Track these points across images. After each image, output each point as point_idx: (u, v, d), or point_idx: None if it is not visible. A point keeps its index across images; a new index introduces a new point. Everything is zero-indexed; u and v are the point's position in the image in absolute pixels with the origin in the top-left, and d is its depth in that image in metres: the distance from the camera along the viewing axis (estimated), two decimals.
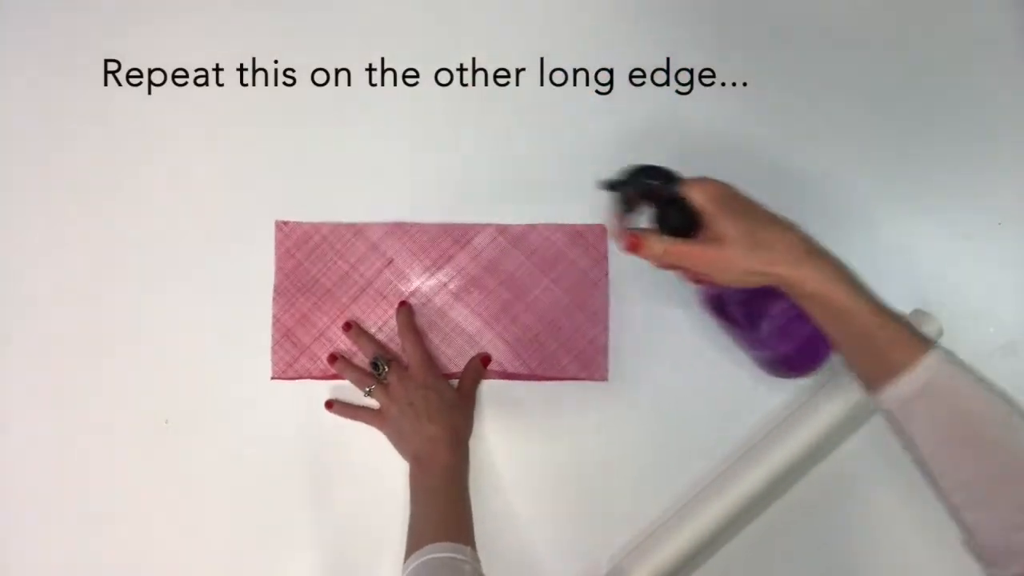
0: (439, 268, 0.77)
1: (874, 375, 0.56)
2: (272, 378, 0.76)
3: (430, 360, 0.75)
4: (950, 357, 0.54)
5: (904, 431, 0.55)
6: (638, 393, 0.76)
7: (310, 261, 0.77)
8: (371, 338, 0.76)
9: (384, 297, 0.77)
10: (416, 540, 0.64)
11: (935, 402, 0.53)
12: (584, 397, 0.76)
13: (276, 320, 0.76)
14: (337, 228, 0.77)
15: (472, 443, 0.73)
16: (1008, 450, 0.51)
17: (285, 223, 0.77)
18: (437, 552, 0.62)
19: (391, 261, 0.77)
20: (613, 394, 0.76)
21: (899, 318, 0.56)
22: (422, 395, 0.71)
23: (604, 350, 0.77)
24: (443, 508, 0.68)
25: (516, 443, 0.76)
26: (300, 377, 0.76)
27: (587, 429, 0.76)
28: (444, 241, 0.77)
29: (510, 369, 0.77)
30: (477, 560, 0.63)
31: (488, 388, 0.77)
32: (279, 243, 0.77)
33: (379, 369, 0.73)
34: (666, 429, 0.76)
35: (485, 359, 0.77)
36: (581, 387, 0.76)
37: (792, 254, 0.56)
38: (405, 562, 0.63)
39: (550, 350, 0.77)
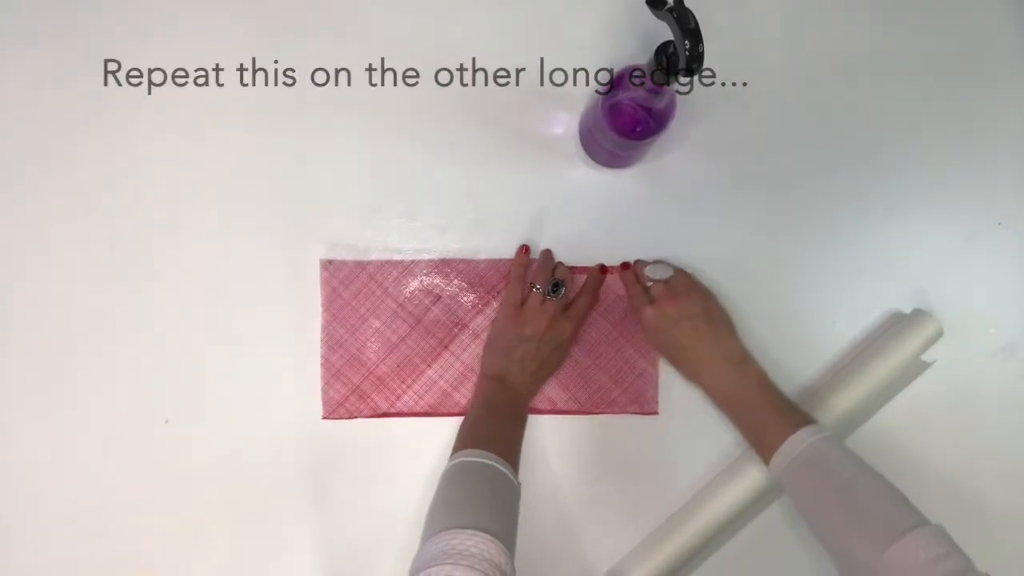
0: (486, 304, 0.77)
1: (761, 453, 0.68)
2: (323, 418, 0.76)
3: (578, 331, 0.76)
4: (813, 432, 0.64)
5: (787, 494, 0.66)
6: (688, 427, 0.76)
7: (358, 300, 0.76)
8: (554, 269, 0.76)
9: (431, 334, 0.77)
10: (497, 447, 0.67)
11: (802, 470, 0.63)
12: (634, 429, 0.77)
13: (325, 360, 0.76)
14: (384, 266, 0.77)
15: None
16: (853, 504, 0.59)
17: (330, 262, 0.76)
18: (496, 463, 0.64)
19: (439, 298, 0.77)
20: (663, 427, 0.76)
21: (778, 404, 0.68)
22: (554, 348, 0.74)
23: (654, 383, 0.77)
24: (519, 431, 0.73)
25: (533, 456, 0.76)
26: (352, 416, 0.76)
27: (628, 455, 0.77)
28: (491, 277, 0.77)
29: (560, 405, 0.77)
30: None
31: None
32: (325, 282, 0.76)
33: (558, 290, 0.73)
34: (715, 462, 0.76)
35: (603, 269, 0.77)
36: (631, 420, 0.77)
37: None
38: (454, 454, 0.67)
39: (600, 384, 0.77)
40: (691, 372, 0.72)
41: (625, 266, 0.76)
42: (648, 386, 0.77)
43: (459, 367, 0.76)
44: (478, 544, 0.54)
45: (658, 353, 0.76)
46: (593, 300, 0.76)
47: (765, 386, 0.69)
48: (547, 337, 0.72)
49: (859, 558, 0.56)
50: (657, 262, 0.75)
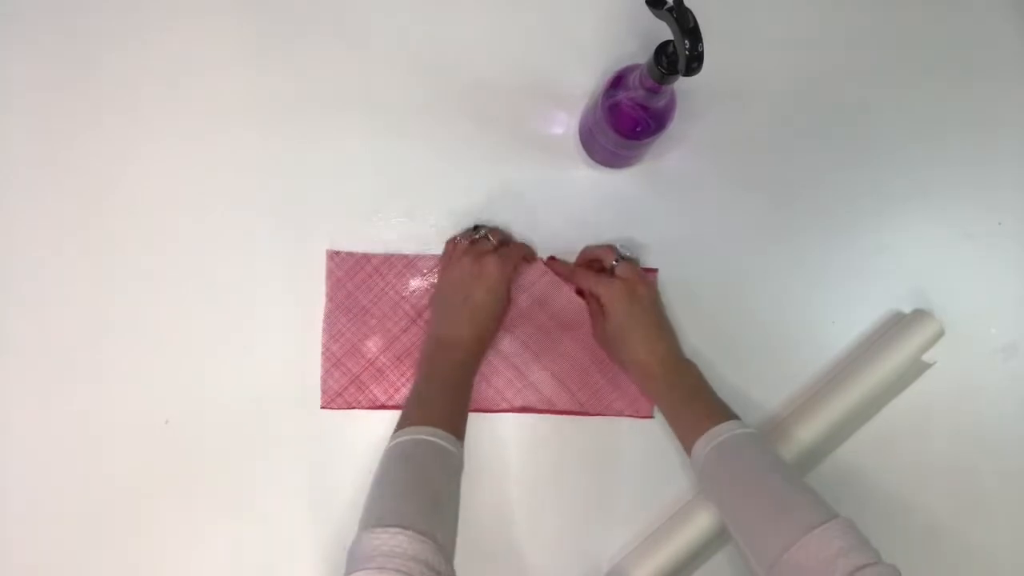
0: None
1: (683, 435, 0.69)
2: (322, 407, 0.76)
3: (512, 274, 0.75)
4: (738, 425, 0.65)
5: (703, 486, 0.68)
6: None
7: (361, 291, 0.76)
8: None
9: None
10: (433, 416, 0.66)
11: (723, 457, 0.64)
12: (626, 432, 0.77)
13: (325, 349, 0.76)
14: (389, 259, 0.77)
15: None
16: (769, 496, 0.60)
17: (336, 253, 0.76)
18: (438, 438, 0.64)
19: None
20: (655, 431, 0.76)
21: (714, 398, 0.70)
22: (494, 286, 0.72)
23: None
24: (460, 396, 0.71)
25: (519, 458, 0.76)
26: (350, 407, 0.76)
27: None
28: None
29: (558, 404, 0.77)
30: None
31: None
32: (330, 272, 0.76)
33: (477, 230, 0.75)
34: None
35: (530, 258, 0.77)
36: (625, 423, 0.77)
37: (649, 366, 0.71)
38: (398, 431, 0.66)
39: (597, 385, 0.77)
40: (649, 342, 0.71)
41: (552, 259, 0.77)
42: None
43: None
44: (402, 544, 0.54)
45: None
46: (528, 248, 0.76)
47: (704, 381, 0.71)
48: (474, 274, 0.70)
49: (769, 549, 0.56)
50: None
